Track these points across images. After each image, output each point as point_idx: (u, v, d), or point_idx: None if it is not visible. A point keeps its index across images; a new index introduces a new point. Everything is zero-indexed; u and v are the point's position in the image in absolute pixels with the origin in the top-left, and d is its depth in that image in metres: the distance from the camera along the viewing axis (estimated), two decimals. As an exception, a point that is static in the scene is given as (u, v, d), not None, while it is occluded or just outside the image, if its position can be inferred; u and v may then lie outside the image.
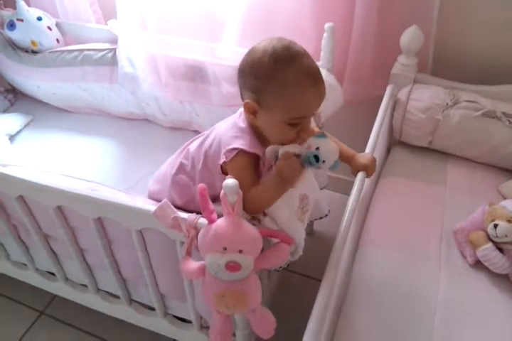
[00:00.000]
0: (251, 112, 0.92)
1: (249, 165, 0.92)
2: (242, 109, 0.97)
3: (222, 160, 0.92)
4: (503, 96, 1.40)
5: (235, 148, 0.91)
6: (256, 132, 0.95)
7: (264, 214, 0.90)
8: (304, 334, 0.77)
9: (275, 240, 0.88)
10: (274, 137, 0.93)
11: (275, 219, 0.90)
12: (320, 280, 0.86)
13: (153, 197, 1.13)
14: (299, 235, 0.93)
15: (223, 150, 0.93)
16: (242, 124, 0.96)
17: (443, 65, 1.51)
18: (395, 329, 1.01)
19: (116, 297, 1.28)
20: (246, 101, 0.91)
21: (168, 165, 1.15)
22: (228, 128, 0.97)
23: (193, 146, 1.07)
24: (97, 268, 1.21)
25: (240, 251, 0.78)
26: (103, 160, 1.60)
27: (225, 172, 0.96)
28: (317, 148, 0.90)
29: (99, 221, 1.02)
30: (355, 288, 1.10)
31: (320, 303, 0.80)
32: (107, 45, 1.63)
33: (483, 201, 1.20)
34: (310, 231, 1.65)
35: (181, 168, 1.08)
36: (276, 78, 0.87)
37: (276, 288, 1.30)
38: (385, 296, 1.08)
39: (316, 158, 0.89)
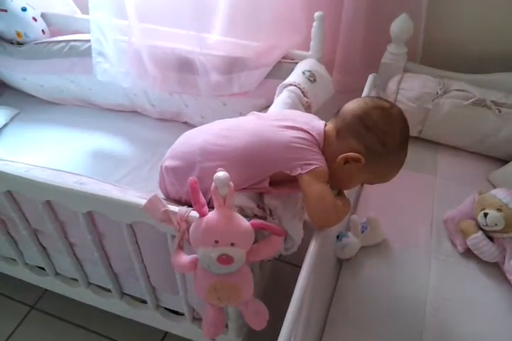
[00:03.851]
0: (347, 162, 0.91)
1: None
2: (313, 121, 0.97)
3: (298, 172, 0.88)
4: (493, 85, 1.41)
5: (314, 164, 0.89)
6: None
7: (270, 214, 0.90)
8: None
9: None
10: (340, 182, 0.96)
11: (281, 219, 0.90)
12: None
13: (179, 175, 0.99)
14: (298, 234, 0.94)
15: (298, 163, 0.89)
16: (316, 145, 0.93)
17: (432, 54, 1.52)
18: (386, 318, 1.02)
19: (108, 290, 1.27)
20: (357, 155, 0.90)
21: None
22: (299, 138, 0.92)
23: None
24: (88, 262, 1.20)
25: (232, 244, 0.78)
26: (91, 152, 1.57)
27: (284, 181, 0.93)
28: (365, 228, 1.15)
29: (89, 215, 1.01)
30: (345, 276, 1.10)
31: (300, 290, 0.79)
32: (93, 36, 1.60)
33: (474, 190, 1.21)
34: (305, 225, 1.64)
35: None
36: (396, 156, 0.93)
37: (269, 279, 1.30)
38: (376, 285, 1.08)
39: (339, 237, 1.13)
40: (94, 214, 1.01)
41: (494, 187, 1.31)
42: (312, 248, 0.86)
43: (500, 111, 1.33)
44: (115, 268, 1.16)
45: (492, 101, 1.34)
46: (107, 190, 0.98)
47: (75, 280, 1.30)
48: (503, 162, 1.38)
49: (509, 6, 1.39)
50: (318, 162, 0.89)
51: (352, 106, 0.94)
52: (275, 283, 1.31)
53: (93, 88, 1.69)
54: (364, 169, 0.92)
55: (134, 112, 1.75)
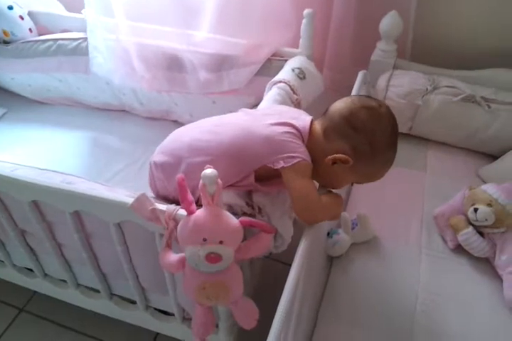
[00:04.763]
0: (334, 163, 0.90)
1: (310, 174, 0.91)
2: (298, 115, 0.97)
3: (281, 165, 0.87)
4: (482, 81, 1.41)
5: (297, 157, 0.88)
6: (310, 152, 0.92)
7: (259, 211, 0.90)
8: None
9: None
10: (330, 182, 0.96)
11: (270, 217, 0.89)
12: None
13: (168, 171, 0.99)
14: (288, 232, 0.93)
15: (281, 156, 0.88)
16: (300, 138, 0.91)
17: (422, 51, 1.51)
18: (377, 314, 1.02)
19: (97, 291, 1.26)
20: (345, 156, 0.89)
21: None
22: (283, 131, 0.91)
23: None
24: (76, 263, 1.19)
25: (221, 242, 0.77)
26: (80, 152, 1.56)
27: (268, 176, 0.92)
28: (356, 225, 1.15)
29: (76, 215, 0.99)
30: (336, 273, 1.10)
31: (290, 288, 0.79)
32: (82, 34, 1.58)
33: (464, 186, 1.21)
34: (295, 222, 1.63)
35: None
36: (384, 156, 0.92)
37: (259, 278, 1.29)
38: (366, 282, 1.08)
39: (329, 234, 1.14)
40: (82, 213, 0.99)
41: (484, 182, 1.32)
42: (302, 245, 0.85)
43: (489, 107, 1.33)
44: (104, 269, 1.14)
45: (481, 97, 1.34)
46: (94, 189, 0.96)
47: (64, 281, 1.28)
48: (493, 157, 1.39)
49: (497, 2, 1.40)
50: (301, 154, 0.88)
51: (339, 105, 0.93)
52: (266, 281, 1.30)
53: (81, 87, 1.68)
54: (352, 169, 0.91)
55: (122, 111, 1.74)
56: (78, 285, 1.28)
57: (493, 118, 1.34)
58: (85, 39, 1.56)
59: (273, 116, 0.94)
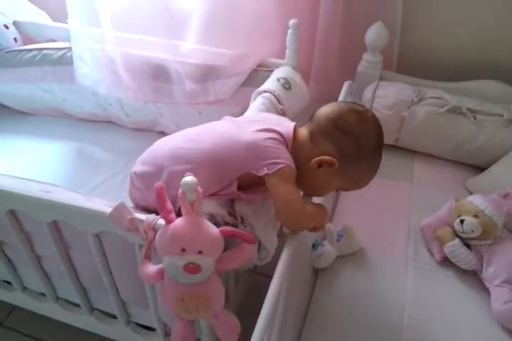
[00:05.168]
0: (320, 166, 0.89)
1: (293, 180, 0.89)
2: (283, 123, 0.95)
3: (264, 172, 0.85)
4: (468, 93, 1.42)
5: (280, 163, 0.86)
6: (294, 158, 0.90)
7: (242, 221, 0.88)
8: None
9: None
10: (314, 188, 0.95)
11: (253, 227, 0.88)
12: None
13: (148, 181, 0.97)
14: (272, 243, 0.91)
15: (264, 162, 0.86)
16: (284, 144, 0.90)
17: (408, 63, 1.52)
18: (363, 328, 0.99)
19: (77, 305, 1.22)
20: (330, 158, 0.88)
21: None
22: (266, 138, 0.89)
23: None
24: (55, 275, 1.15)
25: (200, 252, 0.75)
26: (64, 163, 1.54)
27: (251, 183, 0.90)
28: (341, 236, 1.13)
29: (54, 225, 0.97)
30: (321, 287, 1.08)
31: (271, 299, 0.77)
32: (67, 44, 1.57)
33: (450, 197, 1.20)
34: (280, 233, 1.61)
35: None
36: (370, 160, 0.92)
37: (245, 292, 1.26)
38: (353, 296, 1.06)
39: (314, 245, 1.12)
40: (60, 223, 0.97)
41: (471, 194, 1.31)
42: (284, 256, 0.83)
43: (475, 118, 1.34)
44: (83, 282, 1.11)
45: (468, 109, 1.35)
46: (73, 198, 0.94)
47: (44, 295, 1.24)
48: (480, 169, 1.39)
49: (483, 15, 1.41)
50: (285, 160, 0.86)
51: (326, 109, 0.93)
52: (252, 296, 1.27)
53: (67, 97, 1.66)
54: (338, 174, 0.90)
55: (109, 122, 1.73)
56: (58, 299, 1.25)
57: (479, 129, 1.34)
58: (70, 49, 1.54)
59: (256, 122, 0.93)
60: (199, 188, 0.75)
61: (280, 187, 0.85)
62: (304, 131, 0.93)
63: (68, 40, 1.56)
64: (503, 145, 1.33)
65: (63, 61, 1.56)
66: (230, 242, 0.84)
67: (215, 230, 0.78)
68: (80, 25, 1.44)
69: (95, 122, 1.74)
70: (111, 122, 1.73)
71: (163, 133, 1.65)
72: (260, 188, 0.89)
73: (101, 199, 0.98)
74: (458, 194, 1.24)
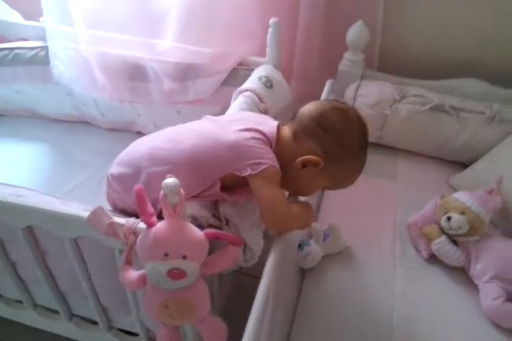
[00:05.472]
0: (305, 165, 0.87)
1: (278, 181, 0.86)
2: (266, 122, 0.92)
3: (248, 172, 0.82)
4: (450, 91, 1.41)
5: (264, 163, 0.83)
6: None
7: (227, 223, 0.85)
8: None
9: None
10: (299, 188, 0.92)
11: (238, 228, 0.85)
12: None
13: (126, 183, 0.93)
14: (258, 244, 0.89)
15: (247, 162, 0.83)
16: (267, 144, 0.87)
17: (389, 61, 1.52)
18: (354, 327, 0.98)
19: (56, 312, 1.17)
20: (315, 158, 0.86)
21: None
22: (249, 137, 0.86)
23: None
24: (32, 282, 1.10)
25: (184, 257, 0.72)
26: (38, 166, 1.49)
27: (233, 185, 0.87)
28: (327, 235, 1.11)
29: (29, 230, 0.92)
30: (309, 287, 1.05)
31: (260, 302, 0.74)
32: (40, 43, 1.53)
33: (435, 195, 1.19)
34: (265, 234, 1.59)
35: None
36: (354, 158, 0.90)
37: (230, 293, 1.24)
38: (341, 296, 1.04)
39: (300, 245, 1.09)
40: (35, 229, 0.92)
41: (456, 191, 1.30)
42: (271, 258, 0.80)
43: (458, 116, 1.34)
44: (61, 288, 1.07)
45: (450, 107, 1.34)
46: (47, 202, 0.90)
47: (20, 302, 1.19)
48: (464, 166, 1.39)
49: (463, 13, 1.41)
50: (269, 161, 0.84)
51: (308, 108, 0.91)
52: (237, 297, 1.25)
53: (40, 98, 1.61)
54: (323, 173, 0.88)
55: (84, 123, 1.68)
56: (36, 306, 1.20)
57: (462, 127, 1.35)
58: (43, 48, 1.50)
59: (238, 122, 0.91)
60: (181, 190, 0.72)
61: (264, 189, 0.83)
62: (286, 130, 0.91)
63: (40, 39, 1.52)
64: (486, 142, 1.34)
65: (36, 61, 1.51)
66: (214, 245, 0.81)
67: (199, 233, 0.74)
68: (54, 23, 1.40)
69: (70, 123, 1.68)
70: (86, 122, 1.68)
71: (140, 133, 1.61)
72: (244, 189, 0.86)
73: (78, 202, 0.94)
74: (442, 191, 1.24)
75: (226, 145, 0.84)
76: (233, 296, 1.25)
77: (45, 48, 1.49)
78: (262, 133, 0.87)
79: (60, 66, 1.45)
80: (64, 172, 1.45)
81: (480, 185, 1.18)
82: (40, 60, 1.49)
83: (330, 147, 0.86)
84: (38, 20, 1.52)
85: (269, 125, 0.90)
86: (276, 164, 0.85)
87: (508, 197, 1.16)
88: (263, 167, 0.82)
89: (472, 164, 1.35)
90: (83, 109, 1.60)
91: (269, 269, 0.79)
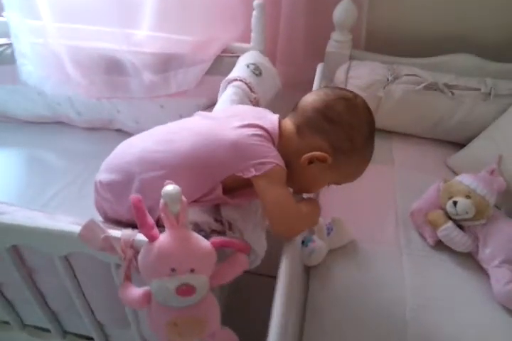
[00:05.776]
0: (311, 162, 0.81)
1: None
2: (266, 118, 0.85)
3: (252, 173, 0.76)
4: (440, 68, 1.38)
5: (269, 162, 0.77)
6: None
7: (230, 227, 0.79)
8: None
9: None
10: (304, 185, 0.87)
11: (242, 232, 0.79)
12: (272, 277, 0.76)
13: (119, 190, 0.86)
14: (262, 246, 0.82)
15: (251, 162, 0.77)
16: (270, 140, 0.81)
17: (377, 40, 1.47)
18: (367, 325, 0.93)
19: (47, 330, 1.10)
20: (322, 154, 0.80)
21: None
22: (250, 134, 0.80)
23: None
24: (19, 301, 1.02)
25: (192, 271, 0.65)
26: (11, 173, 1.39)
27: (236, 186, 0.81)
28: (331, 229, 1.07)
29: (14, 249, 0.84)
30: (316, 286, 1.01)
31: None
32: (5, 40, 1.42)
33: (434, 177, 1.16)
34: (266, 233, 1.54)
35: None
36: (363, 150, 0.85)
37: (228, 293, 1.19)
38: (349, 293, 0.99)
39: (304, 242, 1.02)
40: (20, 247, 0.84)
41: (454, 172, 1.29)
42: (283, 265, 0.74)
43: (453, 94, 1.30)
44: (52, 306, 0.99)
45: (444, 84, 1.31)
46: (31, 217, 0.81)
47: (7, 323, 1.11)
48: (460, 145, 1.36)
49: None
50: (273, 159, 0.77)
51: (311, 98, 0.84)
52: (235, 295, 1.20)
53: (9, 99, 1.51)
54: (331, 168, 0.82)
55: (58, 123, 1.58)
56: (25, 326, 1.12)
57: (457, 104, 1.31)
58: (9, 45, 1.40)
59: (235, 117, 0.83)
60: (183, 197, 0.65)
61: (270, 190, 0.77)
62: (288, 124, 0.84)
63: (5, 35, 1.41)
64: (482, 119, 1.31)
65: (2, 60, 1.41)
66: (220, 253, 0.74)
67: (205, 243, 0.68)
68: (19, 18, 1.29)
69: (43, 124, 1.58)
70: (61, 123, 1.58)
71: (120, 131, 1.53)
72: (248, 191, 0.80)
73: (63, 214, 0.86)
74: (440, 173, 1.22)
75: (227, 145, 0.78)
76: (231, 294, 1.20)
77: (12, 45, 1.38)
78: (263, 128, 0.80)
79: (28, 65, 1.35)
80: (40, 180, 1.34)
81: (479, 164, 1.14)
82: (7, 58, 1.40)
83: (338, 142, 0.80)
84: (2, 15, 1.40)
85: (269, 119, 0.83)
86: (281, 162, 0.79)
87: (509, 176, 1.13)
88: (268, 167, 0.76)
89: (469, 143, 1.32)
90: (57, 108, 1.50)
91: (284, 274, 0.73)
